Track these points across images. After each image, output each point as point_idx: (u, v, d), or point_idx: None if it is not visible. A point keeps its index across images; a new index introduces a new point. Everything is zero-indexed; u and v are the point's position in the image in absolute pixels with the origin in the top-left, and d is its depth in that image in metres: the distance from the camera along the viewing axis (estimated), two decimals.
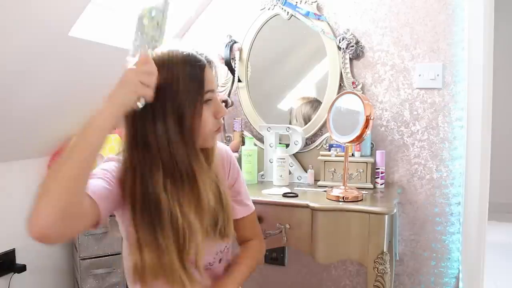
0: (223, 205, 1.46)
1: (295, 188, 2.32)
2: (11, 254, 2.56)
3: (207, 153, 1.44)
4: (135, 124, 1.30)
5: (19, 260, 2.60)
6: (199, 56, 1.34)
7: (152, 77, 1.21)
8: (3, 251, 2.52)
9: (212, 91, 1.36)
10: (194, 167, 1.33)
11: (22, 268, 2.58)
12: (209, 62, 1.37)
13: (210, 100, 1.35)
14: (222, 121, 1.46)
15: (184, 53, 1.32)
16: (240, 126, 2.66)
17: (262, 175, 2.60)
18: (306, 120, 2.64)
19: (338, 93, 2.44)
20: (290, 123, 2.67)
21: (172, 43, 1.36)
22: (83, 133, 1.11)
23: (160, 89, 1.24)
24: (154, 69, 1.21)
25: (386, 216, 1.90)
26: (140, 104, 1.21)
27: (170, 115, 1.28)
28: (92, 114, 1.14)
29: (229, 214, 1.48)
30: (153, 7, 1.27)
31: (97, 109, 1.15)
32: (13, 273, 2.55)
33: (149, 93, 1.20)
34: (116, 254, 2.69)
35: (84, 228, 1.19)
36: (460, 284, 2.41)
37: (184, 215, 1.31)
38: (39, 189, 1.03)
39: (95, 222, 1.20)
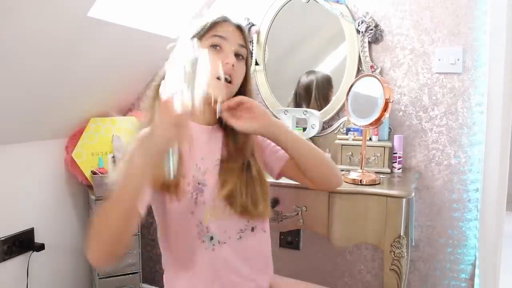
0: (249, 182, 1.48)
1: None
2: (30, 233, 2.58)
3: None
4: None
5: (38, 239, 2.62)
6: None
7: (181, 128, 1.11)
8: (22, 229, 2.54)
9: (223, 38, 1.44)
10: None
11: (41, 247, 2.61)
12: (225, 19, 1.47)
13: (218, 46, 1.44)
14: (230, 70, 1.43)
15: None
16: None
17: None
18: (308, 91, 2.62)
19: (356, 77, 2.38)
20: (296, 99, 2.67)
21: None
22: (123, 185, 1.15)
23: None
24: (179, 119, 1.10)
25: (404, 200, 1.86)
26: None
27: None
28: (129, 160, 1.21)
29: (254, 193, 1.48)
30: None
31: (131, 156, 1.21)
32: (32, 251, 2.58)
33: (183, 135, 1.13)
34: (133, 236, 2.66)
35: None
36: (477, 271, 2.36)
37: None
38: (92, 229, 1.16)
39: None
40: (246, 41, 1.50)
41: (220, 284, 1.47)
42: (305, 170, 1.51)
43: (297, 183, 1.92)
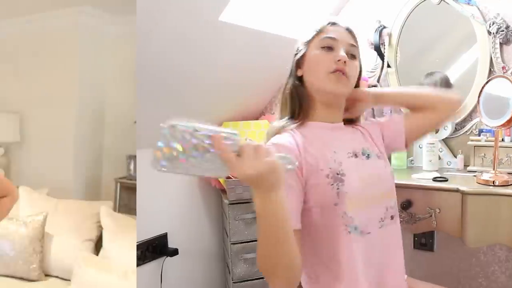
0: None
1: (444, 173, 2.41)
2: (163, 238, 2.78)
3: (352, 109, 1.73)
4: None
5: (171, 244, 2.82)
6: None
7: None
8: (156, 234, 2.74)
9: (333, 39, 1.58)
10: (309, 111, 1.63)
11: (174, 252, 2.79)
12: (334, 23, 1.64)
13: (330, 48, 1.58)
14: (343, 66, 1.55)
15: None
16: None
17: (412, 160, 2.73)
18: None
19: (487, 78, 2.47)
20: None
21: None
22: (259, 225, 1.18)
23: None
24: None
25: None
26: (291, 167, 1.15)
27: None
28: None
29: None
30: None
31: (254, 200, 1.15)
32: (165, 256, 2.76)
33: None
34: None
35: None
36: None
37: None
38: (262, 267, 1.26)
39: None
40: (356, 42, 1.63)
41: (370, 277, 1.52)
42: (420, 109, 1.76)
43: (429, 185, 2.10)
